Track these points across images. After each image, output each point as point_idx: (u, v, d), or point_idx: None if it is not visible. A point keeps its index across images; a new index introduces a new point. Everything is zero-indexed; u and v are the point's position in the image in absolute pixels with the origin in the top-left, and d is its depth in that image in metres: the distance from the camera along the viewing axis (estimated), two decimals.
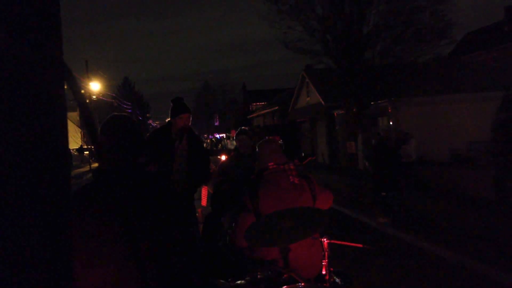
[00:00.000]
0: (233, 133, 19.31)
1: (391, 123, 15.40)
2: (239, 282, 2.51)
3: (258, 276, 2.49)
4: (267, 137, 3.39)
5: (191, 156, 4.27)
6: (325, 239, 2.61)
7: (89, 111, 1.64)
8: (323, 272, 2.62)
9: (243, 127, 5.31)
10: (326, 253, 2.61)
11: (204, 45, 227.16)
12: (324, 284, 2.59)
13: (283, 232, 2.42)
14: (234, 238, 2.88)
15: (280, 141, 3.43)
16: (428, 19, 14.80)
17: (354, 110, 16.61)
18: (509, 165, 8.97)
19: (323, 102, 22.83)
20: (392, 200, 8.56)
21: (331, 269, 2.62)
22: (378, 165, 8.68)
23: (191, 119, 4.36)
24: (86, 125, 1.29)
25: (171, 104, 4.34)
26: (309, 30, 16.32)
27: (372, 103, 16.63)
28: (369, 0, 15.22)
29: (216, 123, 69.33)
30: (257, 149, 3.21)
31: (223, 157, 6.76)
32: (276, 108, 34.41)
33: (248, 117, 45.04)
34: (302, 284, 2.45)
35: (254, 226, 2.47)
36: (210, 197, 4.82)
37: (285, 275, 2.54)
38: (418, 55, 15.88)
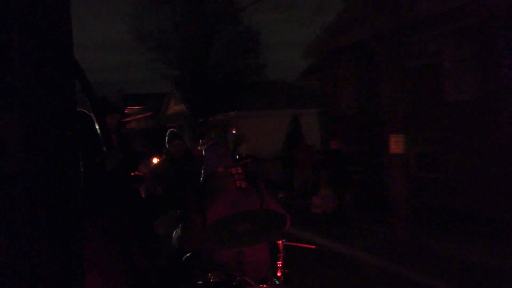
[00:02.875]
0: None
1: (234, 131, 20.38)
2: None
3: (211, 280, 2.42)
4: (212, 143, 3.39)
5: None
6: (280, 241, 2.63)
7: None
8: (278, 274, 2.65)
9: (173, 130, 5.35)
10: (281, 254, 2.63)
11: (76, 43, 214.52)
12: (280, 285, 2.60)
13: (243, 234, 2.40)
14: (183, 242, 2.83)
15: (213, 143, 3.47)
16: (253, 60, 21.02)
17: (201, 120, 21.60)
18: (291, 160, 14.08)
19: (187, 111, 27.20)
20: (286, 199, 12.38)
21: (286, 270, 2.65)
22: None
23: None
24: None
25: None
26: (168, 62, 21.44)
27: (221, 114, 21.66)
28: (209, 46, 20.92)
29: None
30: (204, 153, 3.19)
31: (155, 160, 6.91)
32: (149, 113, 37.82)
33: (122, 120, 47.20)
34: (264, 286, 2.47)
35: (212, 228, 2.43)
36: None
37: (238, 279, 2.48)
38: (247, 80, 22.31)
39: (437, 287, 5.89)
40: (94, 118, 1.66)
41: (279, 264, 2.65)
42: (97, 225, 1.60)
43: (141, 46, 23.40)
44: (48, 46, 0.66)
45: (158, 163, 5.49)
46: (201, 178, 3.14)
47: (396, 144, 7.62)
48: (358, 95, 12.55)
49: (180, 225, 2.92)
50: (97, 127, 1.66)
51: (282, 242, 2.65)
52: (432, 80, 10.22)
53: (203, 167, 3.18)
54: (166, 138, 5.13)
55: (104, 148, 1.71)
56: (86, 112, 1.74)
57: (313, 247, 3.11)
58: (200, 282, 2.49)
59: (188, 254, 2.96)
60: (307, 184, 12.59)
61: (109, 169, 1.77)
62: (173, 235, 2.97)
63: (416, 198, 10.05)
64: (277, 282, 2.68)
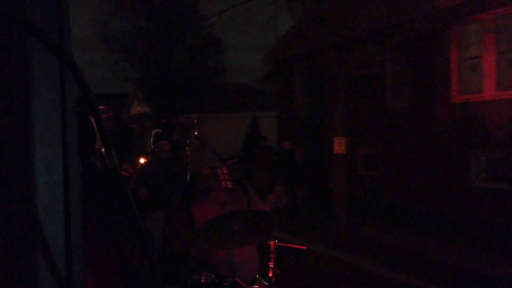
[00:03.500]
0: None
1: (196, 132, 21.02)
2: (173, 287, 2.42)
3: (202, 280, 2.41)
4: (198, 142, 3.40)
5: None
6: (272, 242, 2.63)
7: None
8: (270, 275, 2.63)
9: (158, 130, 5.29)
10: (273, 255, 2.62)
11: None
12: (272, 286, 2.60)
13: (235, 235, 2.40)
14: (171, 244, 2.81)
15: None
16: (214, 64, 21.80)
17: (163, 121, 22.17)
18: (250, 160, 14.90)
19: (150, 112, 27.56)
20: None
21: (277, 271, 2.63)
22: None
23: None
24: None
25: None
26: (133, 65, 21.86)
27: (183, 116, 22.27)
28: (171, 50, 21.65)
29: None
30: (189, 154, 3.16)
31: (142, 160, 6.70)
32: (111, 113, 37.75)
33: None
34: (256, 287, 2.49)
35: (202, 229, 2.42)
36: None
37: (229, 279, 2.45)
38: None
39: (373, 269, 6.89)
40: (90, 117, 1.67)
41: (271, 265, 2.63)
42: (91, 224, 1.56)
43: (104, 48, 23.61)
44: (46, 47, 0.65)
45: (144, 163, 5.49)
46: (187, 179, 3.11)
47: (339, 146, 8.59)
48: (309, 100, 13.59)
49: (167, 226, 2.96)
50: (94, 126, 1.66)
51: (274, 243, 2.63)
52: (375, 88, 11.34)
53: (188, 167, 3.17)
54: (151, 139, 5.12)
55: (102, 148, 1.66)
56: (80, 110, 1.66)
57: (304, 247, 3.09)
58: (189, 282, 2.45)
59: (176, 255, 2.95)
60: (264, 183, 13.50)
61: (110, 168, 1.87)
62: (161, 236, 2.94)
63: (360, 194, 11.17)
64: (265, 282, 2.67)
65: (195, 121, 21.21)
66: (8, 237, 0.66)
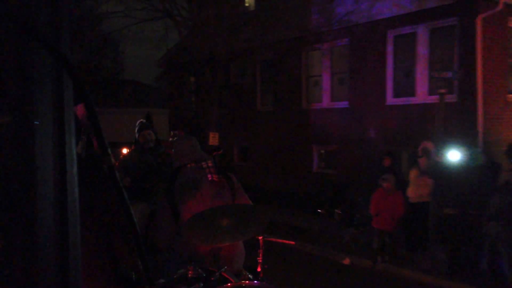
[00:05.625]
0: None
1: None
2: (163, 281, 2.40)
3: (189, 275, 2.38)
4: (183, 134, 3.11)
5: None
6: (261, 237, 2.60)
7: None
8: (258, 270, 2.62)
9: (142, 120, 5.18)
10: (261, 250, 2.60)
11: None
12: (260, 280, 2.59)
13: (224, 230, 2.36)
14: (154, 238, 2.83)
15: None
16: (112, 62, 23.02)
17: None
18: None
19: None
20: None
21: (266, 266, 2.64)
22: None
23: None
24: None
25: None
26: None
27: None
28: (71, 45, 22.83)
29: None
30: (173, 146, 3.14)
31: (125, 150, 6.40)
32: None
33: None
34: (246, 282, 2.44)
35: (189, 224, 2.37)
36: None
37: (216, 274, 2.44)
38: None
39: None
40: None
41: (259, 260, 2.60)
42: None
43: None
44: (42, 46, 0.64)
45: (127, 154, 5.33)
46: (171, 172, 3.09)
47: (213, 139, 10.98)
48: (195, 102, 15.99)
49: (151, 221, 2.90)
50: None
51: (263, 237, 2.60)
52: (248, 94, 14.03)
53: (173, 160, 3.13)
54: (136, 128, 5.02)
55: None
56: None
57: (293, 243, 3.06)
58: (176, 276, 2.43)
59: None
60: None
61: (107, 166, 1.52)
62: (144, 230, 2.92)
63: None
64: (250, 276, 2.66)
65: None
66: (8, 237, 0.66)
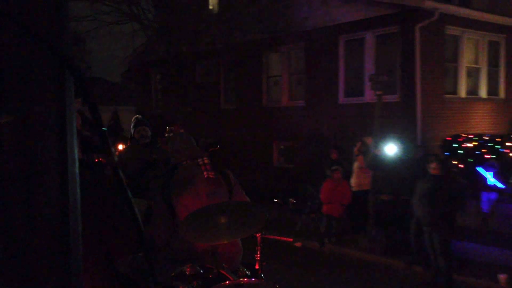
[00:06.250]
0: None
1: None
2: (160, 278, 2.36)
3: (187, 273, 2.37)
4: (181, 131, 3.26)
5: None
6: (259, 234, 2.56)
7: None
8: (256, 267, 2.59)
9: (138, 116, 5.09)
10: (259, 247, 2.57)
11: None
12: (259, 278, 2.57)
13: (222, 228, 2.33)
14: (151, 235, 2.77)
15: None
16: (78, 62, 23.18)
17: None
18: None
19: None
20: None
21: (264, 263, 2.61)
22: None
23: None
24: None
25: None
26: None
27: None
28: None
29: None
30: (169, 143, 3.14)
31: (120, 146, 6.42)
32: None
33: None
34: (245, 280, 2.42)
35: (187, 222, 2.35)
36: None
37: (214, 271, 2.44)
38: None
39: None
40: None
41: (257, 257, 2.58)
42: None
43: None
44: (44, 46, 0.64)
45: (123, 150, 5.34)
46: (167, 169, 3.06)
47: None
48: (162, 98, 16.57)
49: (148, 218, 2.91)
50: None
51: (261, 235, 2.57)
52: (213, 92, 14.74)
53: (168, 156, 3.11)
54: (132, 123, 4.96)
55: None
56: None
57: (291, 240, 3.06)
58: (173, 274, 2.40)
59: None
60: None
61: (111, 167, 1.45)
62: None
63: None
64: (247, 272, 2.66)
65: None
66: (8, 237, 0.65)
